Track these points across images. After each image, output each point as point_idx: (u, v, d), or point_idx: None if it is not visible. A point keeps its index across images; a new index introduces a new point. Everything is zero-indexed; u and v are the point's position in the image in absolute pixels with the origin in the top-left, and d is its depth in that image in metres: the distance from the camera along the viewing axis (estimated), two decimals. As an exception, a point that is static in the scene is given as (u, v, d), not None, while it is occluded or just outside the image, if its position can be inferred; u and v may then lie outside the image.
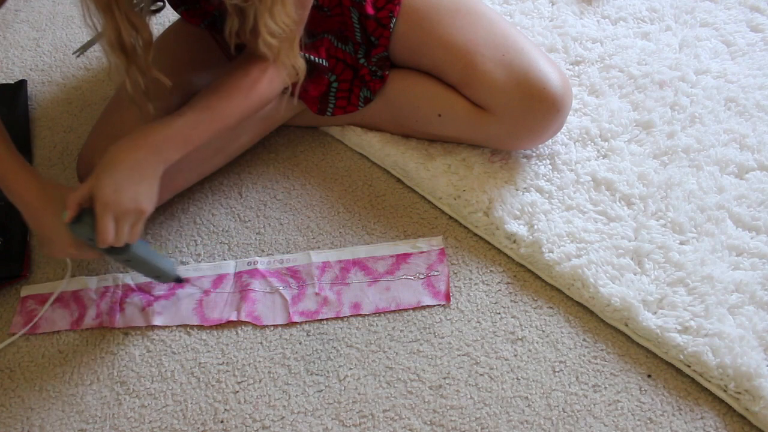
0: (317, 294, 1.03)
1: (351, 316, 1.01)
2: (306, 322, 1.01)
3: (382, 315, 1.01)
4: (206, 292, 1.04)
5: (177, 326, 1.02)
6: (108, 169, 0.89)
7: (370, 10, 1.08)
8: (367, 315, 1.01)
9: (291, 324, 1.01)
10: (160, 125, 0.92)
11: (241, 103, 0.98)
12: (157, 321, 1.02)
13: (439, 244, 1.06)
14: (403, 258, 1.05)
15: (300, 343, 1.00)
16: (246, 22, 0.87)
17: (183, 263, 1.08)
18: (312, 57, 1.08)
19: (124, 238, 0.90)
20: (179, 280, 1.04)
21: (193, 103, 0.95)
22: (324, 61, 1.09)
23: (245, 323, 1.01)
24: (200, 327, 1.02)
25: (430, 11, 1.08)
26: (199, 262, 1.08)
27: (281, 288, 1.04)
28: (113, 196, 0.87)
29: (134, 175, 0.89)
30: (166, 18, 1.39)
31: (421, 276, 1.03)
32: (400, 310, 1.01)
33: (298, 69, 0.94)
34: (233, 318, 1.02)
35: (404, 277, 1.03)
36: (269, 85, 0.98)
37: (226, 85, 0.96)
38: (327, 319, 1.01)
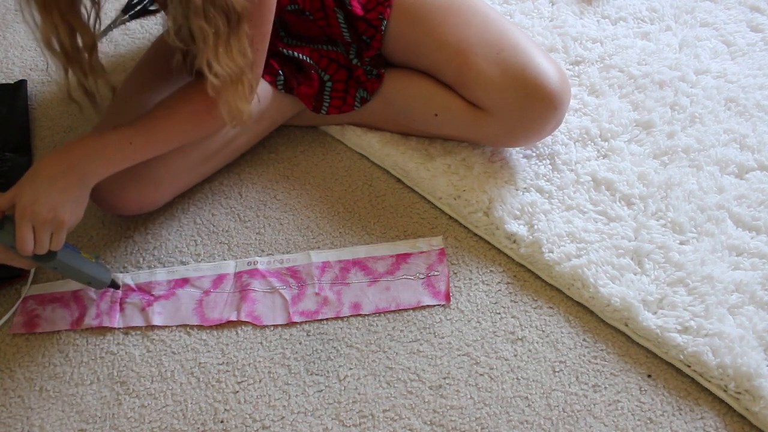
0: (317, 294, 1.03)
1: (351, 316, 1.01)
2: (306, 322, 1.01)
3: (382, 315, 1.01)
4: (206, 292, 1.04)
5: (177, 326, 1.02)
6: (30, 177, 0.88)
7: (358, 11, 1.07)
8: (367, 315, 1.01)
9: (291, 324, 1.01)
10: (91, 137, 0.91)
11: (178, 130, 0.97)
12: (157, 321, 1.02)
13: (439, 244, 1.06)
14: (403, 258, 1.05)
15: (300, 343, 1.00)
16: (195, 57, 0.86)
17: (183, 263, 1.08)
18: (296, 53, 1.08)
19: (44, 247, 0.89)
20: (115, 286, 1.03)
21: (136, 119, 0.95)
22: (307, 57, 1.09)
23: (245, 323, 1.01)
24: (200, 327, 1.02)
25: (423, 11, 1.07)
26: (199, 262, 1.08)
27: (281, 288, 1.04)
28: (30, 205, 0.86)
29: (55, 185, 0.88)
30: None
31: (421, 276, 1.03)
32: (400, 310, 1.01)
33: (243, 113, 0.91)
34: (233, 318, 1.02)
35: (404, 277, 1.03)
36: (212, 120, 0.96)
37: (168, 109, 0.96)
38: (327, 319, 1.01)
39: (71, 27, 0.83)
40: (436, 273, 1.03)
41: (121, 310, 1.03)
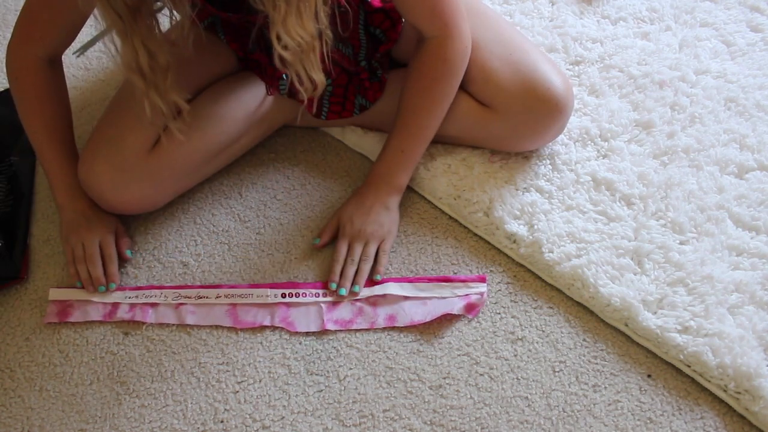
0: (353, 303, 1.02)
1: (385, 328, 1.00)
2: (340, 331, 1.00)
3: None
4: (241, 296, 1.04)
5: (176, 325, 1.02)
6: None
7: (377, 3, 1.08)
8: (402, 328, 1.00)
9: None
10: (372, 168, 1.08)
11: (429, 114, 1.06)
12: (190, 320, 1.02)
13: (481, 290, 1.02)
14: (446, 279, 1.03)
15: (300, 343, 0.99)
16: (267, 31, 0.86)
17: (183, 263, 1.08)
18: None
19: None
20: None
21: (396, 123, 1.06)
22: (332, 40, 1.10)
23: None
24: (200, 327, 1.02)
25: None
26: (200, 261, 1.08)
27: (318, 295, 1.03)
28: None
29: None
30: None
31: (461, 294, 1.02)
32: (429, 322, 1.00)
33: (316, 83, 0.92)
34: (266, 323, 1.01)
35: (444, 296, 1.02)
36: (449, 67, 1.03)
37: (407, 102, 1.05)
38: (361, 330, 1.00)
39: (149, 50, 0.85)
40: (476, 295, 1.01)
41: (154, 306, 1.03)
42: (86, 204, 1.06)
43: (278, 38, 0.84)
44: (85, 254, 1.04)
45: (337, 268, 1.03)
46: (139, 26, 0.83)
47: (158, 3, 0.92)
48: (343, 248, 1.04)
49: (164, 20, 0.93)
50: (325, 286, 1.03)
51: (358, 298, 1.02)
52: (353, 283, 1.02)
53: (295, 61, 0.88)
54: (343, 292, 1.01)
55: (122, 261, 1.08)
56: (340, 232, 1.06)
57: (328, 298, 1.02)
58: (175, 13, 0.92)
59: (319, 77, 0.92)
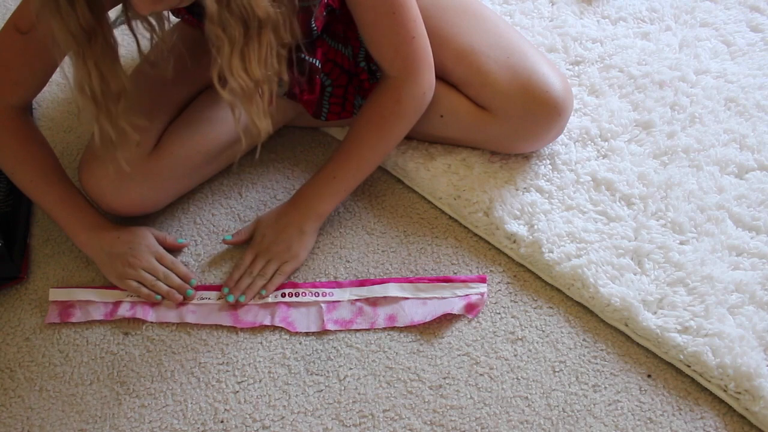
0: (353, 303, 1.02)
1: (385, 328, 1.00)
2: (340, 331, 1.00)
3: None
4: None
5: (176, 325, 1.02)
6: None
7: None
8: (402, 328, 1.00)
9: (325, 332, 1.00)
10: (306, 185, 1.08)
11: (369, 152, 1.06)
12: (190, 319, 1.02)
13: (481, 290, 1.02)
14: (446, 279, 1.03)
15: (300, 343, 0.99)
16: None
17: (183, 263, 1.08)
18: (308, 58, 1.08)
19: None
20: None
21: (336, 151, 1.06)
22: (318, 62, 1.09)
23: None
24: (200, 326, 1.02)
25: (437, 11, 1.07)
26: (200, 262, 1.08)
27: (318, 295, 1.03)
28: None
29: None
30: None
31: (461, 294, 1.02)
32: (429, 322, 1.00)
33: (261, 130, 0.89)
34: (266, 323, 1.01)
35: (443, 297, 1.02)
36: (398, 115, 1.03)
37: (354, 136, 1.05)
38: (360, 330, 1.00)
39: (101, 73, 0.82)
40: (477, 295, 1.01)
41: (156, 305, 1.03)
42: (111, 232, 1.04)
43: (219, 77, 0.82)
44: (157, 275, 1.03)
45: (236, 275, 1.04)
46: (93, 49, 0.80)
47: (120, 19, 0.89)
48: (247, 258, 1.05)
49: (145, 42, 0.91)
50: (324, 286, 1.03)
51: (358, 298, 1.02)
52: (242, 293, 1.02)
53: (235, 103, 0.85)
54: (230, 298, 1.02)
55: (176, 252, 1.08)
56: (251, 242, 1.07)
57: (328, 298, 1.02)
58: (157, 31, 0.89)
59: (264, 125, 0.88)
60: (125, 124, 0.87)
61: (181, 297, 1.02)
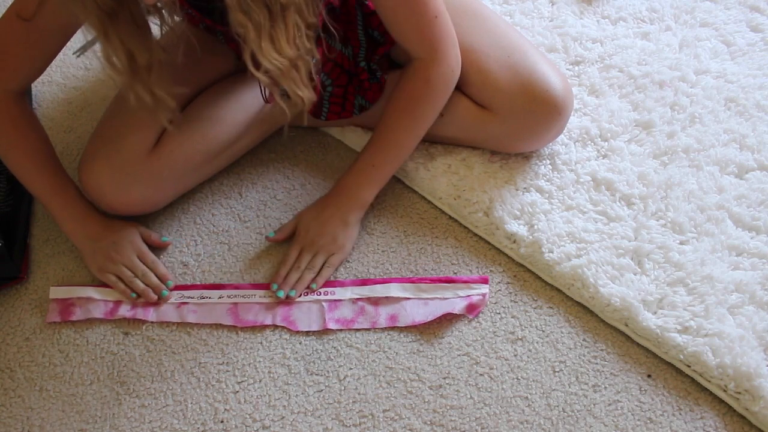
0: (355, 302, 1.02)
1: (387, 328, 1.00)
2: (341, 330, 1.00)
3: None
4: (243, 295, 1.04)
5: (176, 325, 1.02)
6: None
7: (373, 7, 1.07)
8: (402, 328, 1.00)
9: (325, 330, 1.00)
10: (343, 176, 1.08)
11: (406, 134, 1.06)
12: (191, 318, 1.02)
13: (483, 291, 1.02)
14: (448, 279, 1.03)
15: (300, 343, 1.00)
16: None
17: (184, 263, 1.08)
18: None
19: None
20: None
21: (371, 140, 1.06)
22: (318, 61, 1.09)
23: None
24: (200, 326, 1.02)
25: None
26: (200, 261, 1.08)
27: (319, 293, 1.03)
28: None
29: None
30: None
31: (462, 295, 1.02)
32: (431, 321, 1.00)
33: (304, 99, 0.92)
34: (267, 322, 1.01)
35: (445, 297, 1.02)
36: (432, 88, 1.03)
37: (385, 122, 1.05)
38: (361, 329, 1.00)
39: (127, 49, 0.85)
40: (478, 296, 1.01)
41: (157, 304, 1.03)
42: (98, 224, 1.05)
43: (253, 60, 0.84)
44: (135, 273, 1.03)
45: (283, 272, 1.04)
46: (117, 26, 0.82)
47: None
48: (293, 253, 1.05)
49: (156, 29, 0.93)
50: (326, 285, 1.03)
51: (360, 297, 1.02)
52: (291, 288, 1.02)
53: (273, 82, 0.87)
54: (281, 294, 1.01)
55: (159, 251, 1.08)
56: (295, 237, 1.06)
57: (330, 297, 1.02)
58: (166, 20, 0.91)
59: (306, 93, 0.91)
60: (160, 91, 0.89)
61: (155, 296, 1.02)
